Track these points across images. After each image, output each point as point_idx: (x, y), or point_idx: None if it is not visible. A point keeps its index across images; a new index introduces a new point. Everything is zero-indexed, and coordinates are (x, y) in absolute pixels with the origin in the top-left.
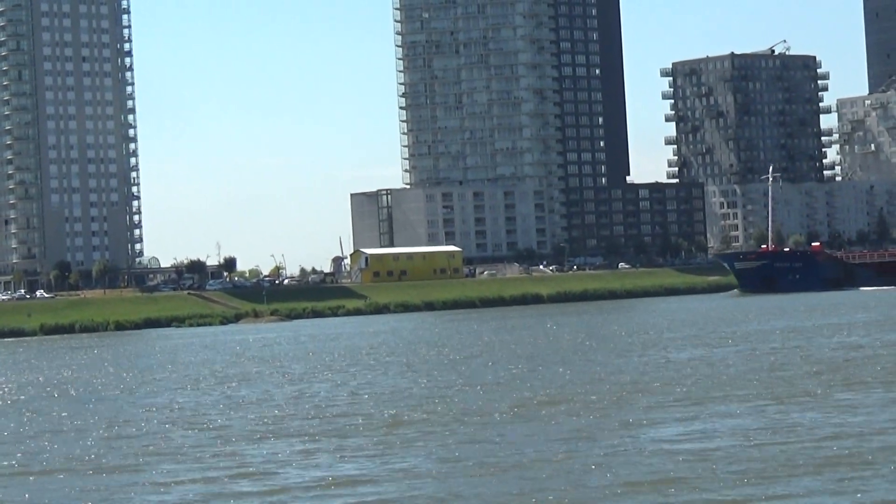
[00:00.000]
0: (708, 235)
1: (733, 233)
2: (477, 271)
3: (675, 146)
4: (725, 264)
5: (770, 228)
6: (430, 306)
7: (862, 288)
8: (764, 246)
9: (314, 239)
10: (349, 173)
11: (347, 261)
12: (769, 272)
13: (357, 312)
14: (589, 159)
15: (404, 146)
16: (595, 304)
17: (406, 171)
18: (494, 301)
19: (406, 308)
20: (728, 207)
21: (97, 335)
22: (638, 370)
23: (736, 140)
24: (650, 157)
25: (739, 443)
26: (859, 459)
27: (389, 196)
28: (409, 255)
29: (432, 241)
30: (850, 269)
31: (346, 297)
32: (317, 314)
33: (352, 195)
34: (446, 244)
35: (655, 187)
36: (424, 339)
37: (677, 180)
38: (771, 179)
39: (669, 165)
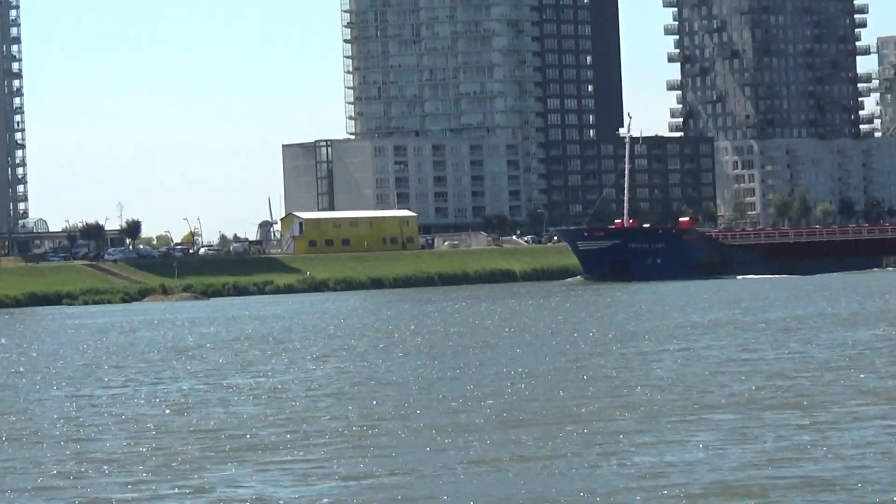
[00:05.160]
0: (718, 202)
1: (749, 199)
2: (436, 241)
3: (680, 92)
4: (566, 243)
5: (626, 199)
6: (377, 283)
7: (741, 276)
8: (619, 221)
9: (237, 199)
10: (282, 119)
11: (278, 226)
12: (621, 254)
13: (289, 290)
14: (574, 107)
15: (349, 88)
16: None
17: (351, 118)
18: (456, 278)
19: (349, 285)
20: (743, 168)
21: None
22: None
23: (754, 86)
24: (649, 105)
25: None
26: None
27: (330, 148)
28: (354, 221)
29: (381, 203)
30: (726, 252)
31: (275, 271)
32: (240, 291)
33: (284, 146)
34: (399, 208)
35: (655, 142)
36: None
37: (682, 134)
38: (629, 133)
39: (672, 116)
